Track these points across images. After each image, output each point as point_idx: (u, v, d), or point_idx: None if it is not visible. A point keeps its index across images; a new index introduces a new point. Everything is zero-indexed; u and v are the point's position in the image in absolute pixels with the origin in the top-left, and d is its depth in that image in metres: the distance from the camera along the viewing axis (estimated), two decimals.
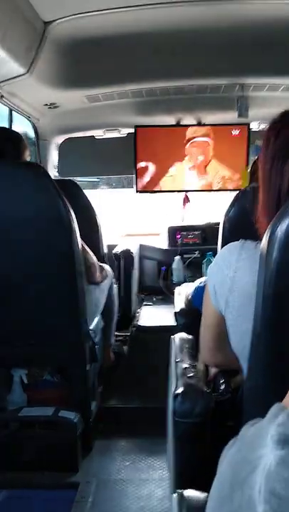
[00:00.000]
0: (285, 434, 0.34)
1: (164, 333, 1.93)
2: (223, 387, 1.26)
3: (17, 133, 2.03)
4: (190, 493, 0.85)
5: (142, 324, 2.77)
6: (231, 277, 0.99)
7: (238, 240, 1.04)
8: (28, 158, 2.00)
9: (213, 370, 1.38)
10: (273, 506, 0.32)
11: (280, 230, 0.73)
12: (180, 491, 0.86)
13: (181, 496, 0.85)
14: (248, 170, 3.15)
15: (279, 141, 0.93)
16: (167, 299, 3.12)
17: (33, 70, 1.96)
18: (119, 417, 2.34)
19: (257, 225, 0.98)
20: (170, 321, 2.15)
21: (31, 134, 3.05)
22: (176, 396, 1.14)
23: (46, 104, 2.65)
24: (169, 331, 1.85)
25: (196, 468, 1.05)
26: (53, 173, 3.26)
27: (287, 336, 0.77)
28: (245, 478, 0.36)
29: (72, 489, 1.83)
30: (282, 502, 0.32)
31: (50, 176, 1.79)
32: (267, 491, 0.33)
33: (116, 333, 2.74)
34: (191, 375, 1.22)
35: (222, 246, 1.36)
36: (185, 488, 0.89)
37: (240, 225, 1.32)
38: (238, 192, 1.43)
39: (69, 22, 1.77)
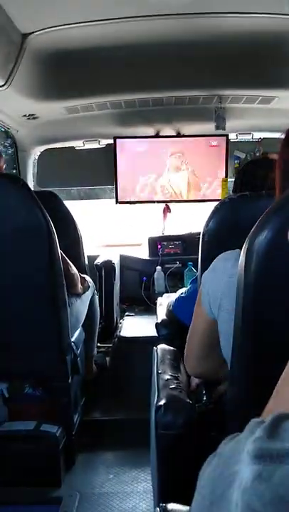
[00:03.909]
0: (261, 448, 0.34)
1: (146, 344, 1.92)
2: (205, 397, 1.26)
3: None
4: (173, 506, 0.85)
5: (124, 335, 2.75)
6: (226, 282, 1.02)
7: (217, 252, 1.07)
8: (3, 167, 1.99)
9: (195, 381, 1.38)
10: None
11: (258, 242, 0.74)
12: (163, 504, 0.86)
13: (164, 510, 0.84)
14: (229, 179, 3.19)
15: None
16: (149, 309, 3.11)
17: (11, 81, 1.95)
18: (102, 430, 2.31)
19: None
20: (152, 331, 2.14)
21: None
22: (158, 408, 1.13)
23: (25, 116, 2.65)
24: (151, 341, 1.84)
25: (179, 481, 1.05)
26: (32, 184, 3.25)
27: (265, 342, 0.79)
28: (222, 493, 0.36)
29: (55, 504, 1.80)
30: None
31: (29, 188, 1.78)
32: (243, 505, 0.33)
33: (98, 344, 2.73)
34: (174, 386, 1.22)
35: (202, 258, 1.36)
36: (168, 501, 0.89)
37: (220, 236, 1.32)
38: (217, 203, 1.43)
39: (47, 34, 1.77)
